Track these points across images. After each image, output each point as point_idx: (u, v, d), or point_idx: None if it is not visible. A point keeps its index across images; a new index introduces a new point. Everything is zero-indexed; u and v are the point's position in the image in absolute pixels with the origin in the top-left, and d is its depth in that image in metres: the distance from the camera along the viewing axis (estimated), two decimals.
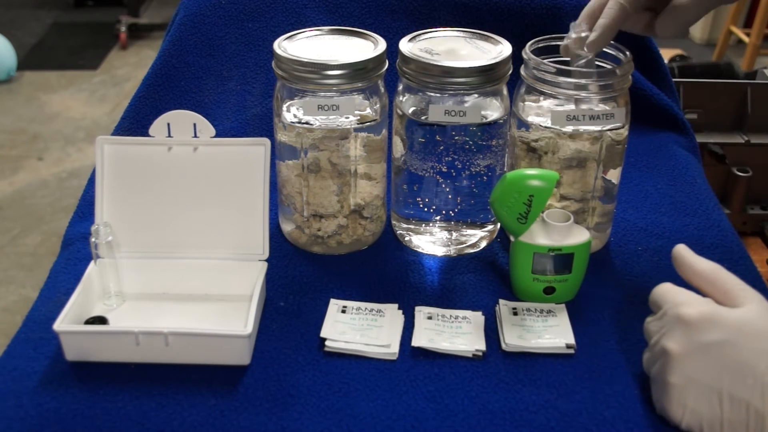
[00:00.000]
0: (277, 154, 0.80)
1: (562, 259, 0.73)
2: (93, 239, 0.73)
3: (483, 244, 0.84)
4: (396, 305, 0.75)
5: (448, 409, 0.64)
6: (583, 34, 0.75)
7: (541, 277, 0.74)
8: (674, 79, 1.17)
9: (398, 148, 0.81)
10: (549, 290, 0.75)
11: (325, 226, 0.81)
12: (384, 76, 0.78)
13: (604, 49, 0.79)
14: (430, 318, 0.73)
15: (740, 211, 1.45)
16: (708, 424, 0.57)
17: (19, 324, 0.73)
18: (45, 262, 2.08)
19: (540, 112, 0.79)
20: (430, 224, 0.83)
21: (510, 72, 0.77)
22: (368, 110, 0.78)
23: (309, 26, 0.82)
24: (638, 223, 0.88)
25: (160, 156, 0.75)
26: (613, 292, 0.77)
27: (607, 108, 0.76)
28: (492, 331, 0.72)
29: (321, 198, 0.79)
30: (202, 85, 1.03)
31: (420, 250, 0.83)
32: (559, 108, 0.76)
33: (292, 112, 0.77)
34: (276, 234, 0.85)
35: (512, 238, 0.75)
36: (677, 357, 0.58)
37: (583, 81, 0.74)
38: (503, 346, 0.70)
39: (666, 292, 0.62)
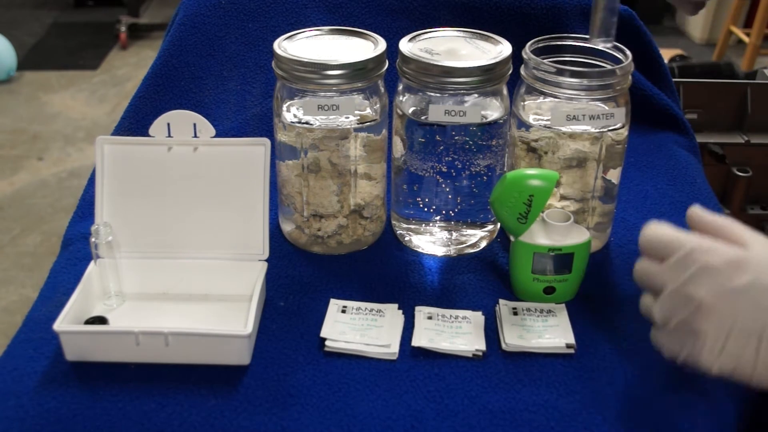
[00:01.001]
0: (277, 154, 0.80)
1: (562, 259, 0.73)
2: (93, 239, 0.73)
3: (483, 244, 0.84)
4: (396, 305, 0.75)
5: (448, 409, 0.64)
6: None
7: (541, 277, 0.74)
8: (674, 79, 1.17)
9: (398, 148, 0.81)
10: (549, 290, 0.75)
11: (325, 226, 0.81)
12: (384, 76, 0.78)
13: (604, 49, 0.79)
14: (430, 318, 0.73)
15: (740, 211, 1.45)
16: (741, 367, 0.58)
17: (19, 324, 0.72)
18: (45, 262, 2.07)
19: (540, 112, 0.79)
20: (430, 224, 0.83)
21: (510, 72, 0.77)
22: (368, 110, 0.78)
23: (309, 26, 0.82)
24: (638, 223, 0.87)
25: (160, 156, 0.75)
26: (613, 292, 0.77)
27: (607, 108, 0.76)
28: (492, 331, 0.72)
29: (321, 198, 0.79)
30: (202, 85, 1.03)
31: (420, 250, 0.83)
32: (559, 108, 0.76)
33: (292, 112, 0.77)
34: (276, 234, 0.85)
35: (512, 238, 0.75)
36: (710, 305, 0.58)
37: (583, 81, 0.74)
38: (503, 346, 0.70)
39: (671, 238, 0.61)
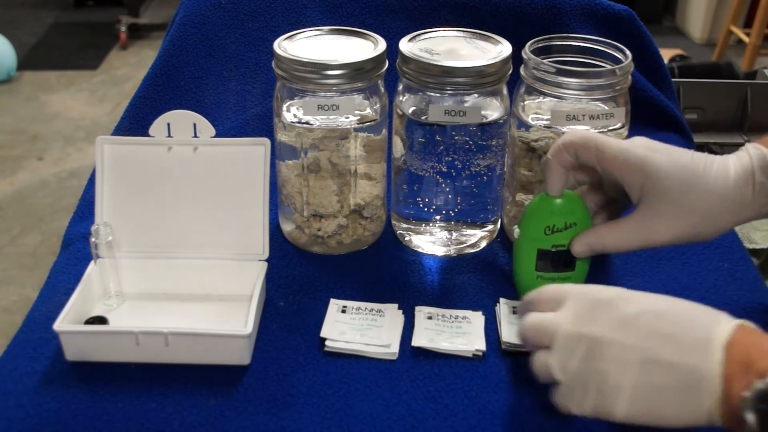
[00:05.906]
0: (277, 154, 0.80)
1: (566, 257, 0.73)
2: (93, 239, 0.73)
3: (483, 244, 0.84)
4: (396, 305, 0.75)
5: (448, 409, 0.64)
6: None
7: (545, 274, 0.74)
8: (674, 79, 1.18)
9: (398, 148, 0.81)
10: None
11: (325, 226, 0.81)
12: (384, 76, 0.78)
13: (604, 49, 0.79)
14: (430, 318, 0.73)
15: None
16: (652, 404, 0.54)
17: (19, 324, 0.72)
18: (45, 262, 2.08)
19: (540, 112, 0.79)
20: (430, 224, 0.83)
21: (510, 72, 0.77)
22: (368, 110, 0.78)
23: (309, 26, 0.82)
24: None
25: (160, 156, 0.75)
26: None
27: (607, 108, 0.76)
28: (492, 331, 0.72)
29: (321, 198, 0.79)
30: (202, 85, 1.03)
31: (420, 250, 0.83)
32: (559, 108, 0.76)
33: (292, 112, 0.77)
34: (276, 234, 0.85)
35: (515, 236, 0.75)
36: (609, 338, 0.55)
37: (583, 81, 0.74)
38: (503, 345, 0.70)
39: (551, 295, 0.61)
